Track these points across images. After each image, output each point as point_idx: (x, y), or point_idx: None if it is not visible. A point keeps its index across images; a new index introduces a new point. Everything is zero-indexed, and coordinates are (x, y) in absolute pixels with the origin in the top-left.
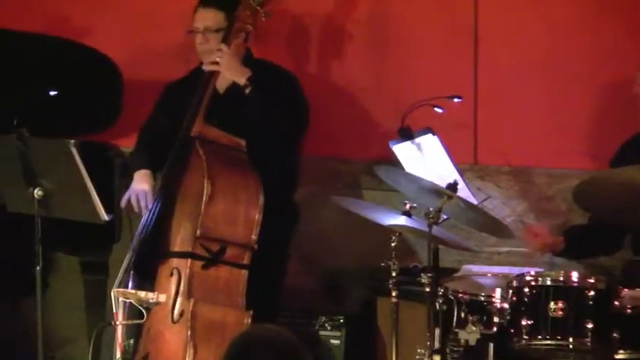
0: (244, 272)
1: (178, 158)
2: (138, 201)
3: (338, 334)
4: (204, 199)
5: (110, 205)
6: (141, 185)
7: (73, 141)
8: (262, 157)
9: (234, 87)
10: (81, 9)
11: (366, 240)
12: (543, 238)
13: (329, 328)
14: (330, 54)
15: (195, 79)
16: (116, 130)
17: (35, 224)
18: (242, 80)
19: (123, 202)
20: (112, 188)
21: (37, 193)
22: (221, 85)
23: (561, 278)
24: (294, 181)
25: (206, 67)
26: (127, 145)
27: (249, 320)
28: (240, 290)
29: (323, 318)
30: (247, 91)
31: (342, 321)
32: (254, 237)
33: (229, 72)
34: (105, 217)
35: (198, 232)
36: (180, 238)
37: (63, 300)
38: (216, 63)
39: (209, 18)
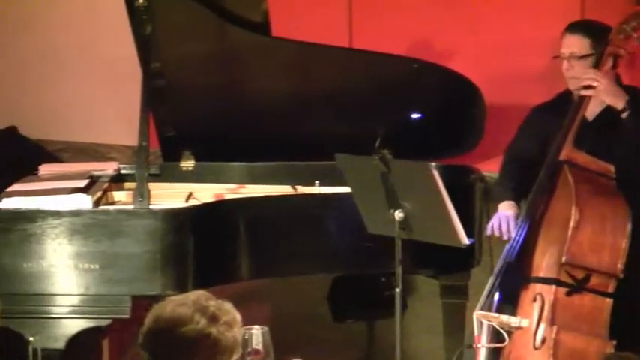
0: (608, 301)
1: (545, 182)
2: (501, 225)
3: None
4: (571, 225)
5: (470, 228)
6: (505, 211)
7: (434, 164)
8: (631, 184)
9: (603, 114)
10: (444, 32)
11: None
12: None
13: None
14: None
15: (562, 104)
16: (478, 154)
17: (396, 246)
18: (620, 104)
19: (489, 230)
20: (472, 212)
21: (398, 215)
22: (591, 112)
23: None
24: None
25: (582, 92)
26: (489, 169)
27: (612, 350)
28: (603, 319)
29: None
30: (624, 115)
31: None
32: (620, 266)
33: (607, 95)
34: (465, 240)
35: (563, 258)
36: (545, 263)
37: (421, 323)
38: (591, 87)
39: (574, 45)
